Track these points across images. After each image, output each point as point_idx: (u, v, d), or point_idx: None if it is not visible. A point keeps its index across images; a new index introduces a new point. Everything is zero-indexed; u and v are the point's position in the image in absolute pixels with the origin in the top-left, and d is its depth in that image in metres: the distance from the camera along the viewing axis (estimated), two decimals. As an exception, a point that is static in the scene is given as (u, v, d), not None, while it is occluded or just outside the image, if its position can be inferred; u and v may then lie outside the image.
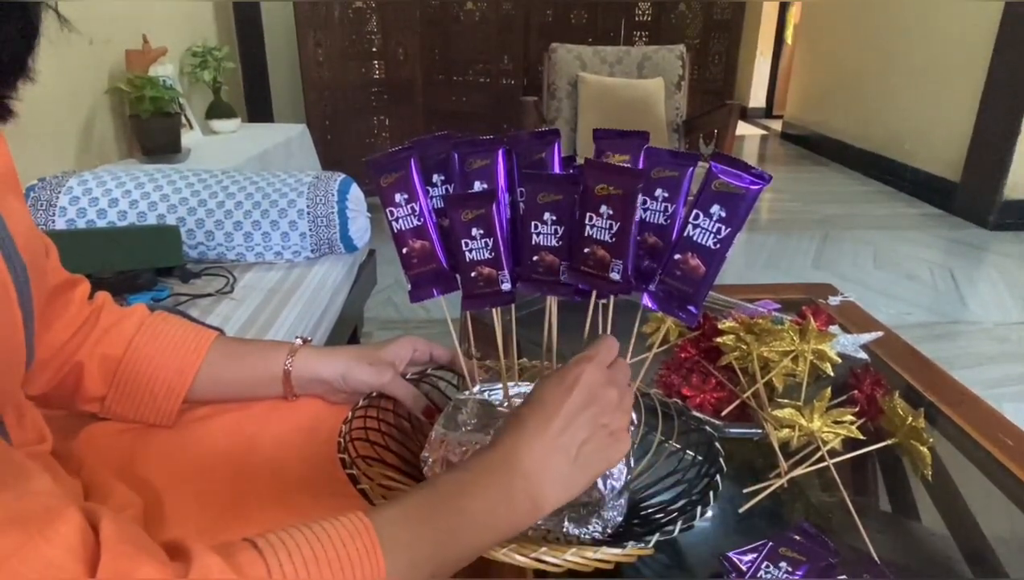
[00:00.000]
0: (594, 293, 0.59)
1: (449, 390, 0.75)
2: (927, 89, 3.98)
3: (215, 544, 0.37)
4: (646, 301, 0.58)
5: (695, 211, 0.54)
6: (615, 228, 0.54)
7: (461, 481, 0.48)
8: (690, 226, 0.54)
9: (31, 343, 0.48)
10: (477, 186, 0.59)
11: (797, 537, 0.65)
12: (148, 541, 0.36)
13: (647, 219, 0.58)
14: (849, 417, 0.78)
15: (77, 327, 0.63)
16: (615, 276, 0.56)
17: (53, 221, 1.41)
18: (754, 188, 0.52)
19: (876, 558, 0.66)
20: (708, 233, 0.53)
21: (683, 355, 0.95)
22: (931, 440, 0.76)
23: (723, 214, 0.53)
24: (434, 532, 0.45)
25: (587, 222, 0.55)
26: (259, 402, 0.70)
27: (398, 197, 0.58)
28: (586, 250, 0.56)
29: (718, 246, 0.54)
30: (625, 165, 0.56)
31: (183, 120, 2.17)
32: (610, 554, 0.50)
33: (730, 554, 0.63)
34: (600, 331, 0.62)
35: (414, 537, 0.44)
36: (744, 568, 0.62)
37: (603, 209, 0.54)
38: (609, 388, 0.52)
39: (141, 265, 1.32)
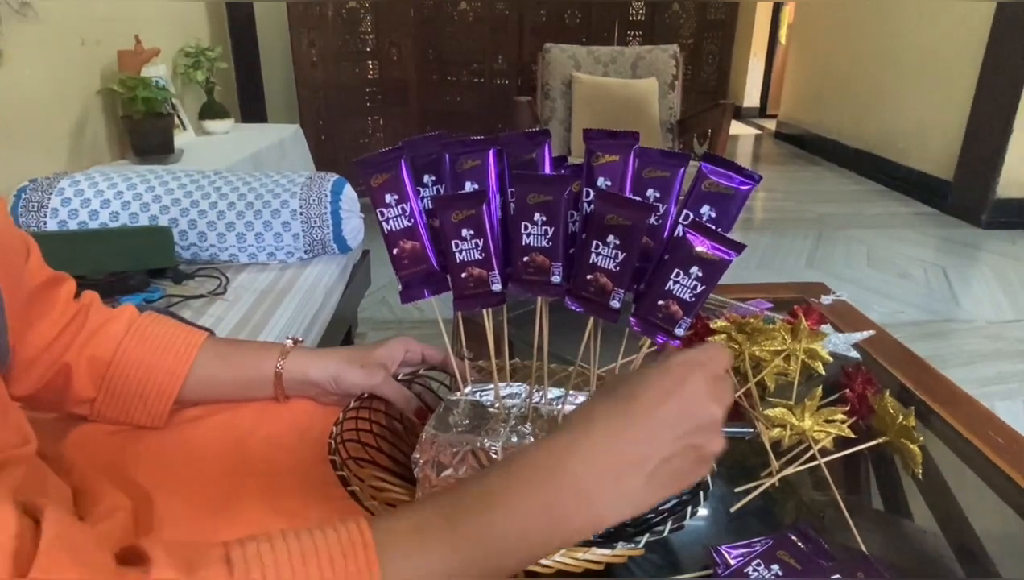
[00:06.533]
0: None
1: (441, 391, 0.75)
2: (920, 88, 4.00)
3: (186, 548, 0.34)
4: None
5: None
6: (621, 257, 0.54)
7: (492, 488, 0.41)
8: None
9: (3, 342, 0.47)
10: (468, 187, 0.59)
11: (798, 542, 0.65)
12: (93, 551, 0.32)
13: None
14: (840, 416, 0.79)
15: (63, 326, 0.62)
16: (615, 304, 0.56)
17: (44, 222, 1.40)
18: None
19: (869, 556, 0.66)
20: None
21: (675, 355, 0.95)
22: (921, 439, 0.77)
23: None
24: (452, 549, 0.38)
25: (593, 249, 0.55)
26: (250, 403, 0.70)
27: (388, 197, 0.58)
28: (589, 277, 0.56)
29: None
30: (636, 198, 0.56)
31: (176, 121, 2.16)
32: (600, 555, 0.50)
33: (720, 548, 0.63)
34: (592, 334, 0.62)
35: (426, 554, 0.38)
36: (733, 562, 0.62)
37: (610, 238, 0.54)
38: (712, 406, 0.43)
39: (133, 266, 1.32)
